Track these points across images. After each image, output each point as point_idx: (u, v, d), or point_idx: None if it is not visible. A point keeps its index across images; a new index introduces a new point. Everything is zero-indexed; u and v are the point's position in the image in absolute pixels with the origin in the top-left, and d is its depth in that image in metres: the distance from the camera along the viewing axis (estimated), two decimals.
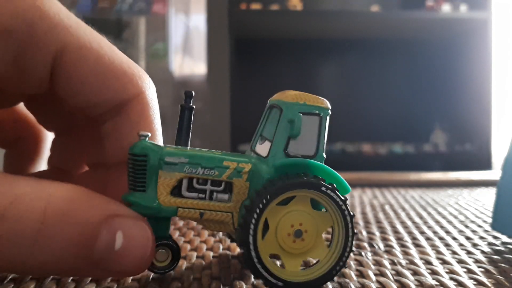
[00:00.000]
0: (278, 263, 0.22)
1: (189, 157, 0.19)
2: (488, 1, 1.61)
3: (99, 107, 0.20)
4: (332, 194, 0.19)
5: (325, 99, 0.20)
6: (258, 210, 0.18)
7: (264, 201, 0.18)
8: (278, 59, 1.85)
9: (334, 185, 0.19)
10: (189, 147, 0.20)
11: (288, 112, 0.20)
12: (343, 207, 0.19)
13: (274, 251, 0.19)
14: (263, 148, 0.20)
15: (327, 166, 0.20)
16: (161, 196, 0.19)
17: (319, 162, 0.20)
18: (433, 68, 1.87)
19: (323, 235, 0.20)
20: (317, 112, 0.20)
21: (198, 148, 0.20)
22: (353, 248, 0.20)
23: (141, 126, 0.20)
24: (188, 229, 0.30)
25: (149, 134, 0.19)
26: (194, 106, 0.20)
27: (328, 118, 0.20)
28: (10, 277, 0.21)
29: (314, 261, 0.21)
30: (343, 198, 0.19)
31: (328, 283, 0.20)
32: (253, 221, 0.18)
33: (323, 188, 0.19)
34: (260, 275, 0.19)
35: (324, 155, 0.20)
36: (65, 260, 0.15)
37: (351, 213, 0.20)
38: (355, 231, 0.20)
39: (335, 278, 0.21)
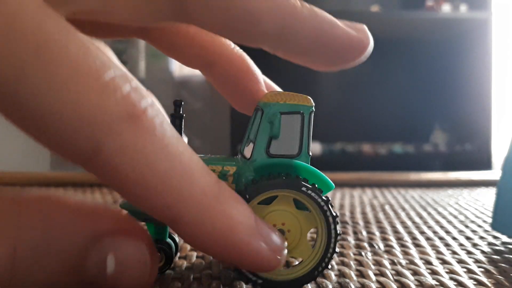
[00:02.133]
0: None
1: None
2: (488, 1, 1.61)
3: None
4: (312, 194, 0.19)
5: (308, 97, 0.20)
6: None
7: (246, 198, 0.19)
8: (278, 59, 1.84)
9: (315, 184, 0.19)
10: None
11: (268, 112, 0.20)
12: (325, 207, 0.19)
13: None
14: (248, 150, 0.20)
15: (310, 166, 0.20)
16: None
17: (301, 162, 0.20)
18: (433, 68, 1.87)
19: (309, 235, 0.20)
20: (298, 110, 0.20)
21: None
22: (337, 250, 0.20)
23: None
24: None
25: None
26: (184, 115, 0.21)
27: (311, 115, 0.20)
28: None
29: (298, 261, 0.21)
30: (324, 198, 0.19)
31: (329, 283, 0.20)
32: None
33: (303, 188, 0.19)
34: (240, 273, 0.19)
35: (310, 154, 0.20)
36: (62, 281, 0.14)
37: (334, 214, 0.19)
38: (338, 232, 0.20)
39: (336, 279, 0.21)
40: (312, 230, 0.20)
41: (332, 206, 0.20)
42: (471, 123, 1.69)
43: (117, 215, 0.15)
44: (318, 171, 0.20)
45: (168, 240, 0.21)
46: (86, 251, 0.14)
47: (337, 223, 0.20)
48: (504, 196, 0.27)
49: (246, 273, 0.19)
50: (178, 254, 0.25)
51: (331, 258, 0.20)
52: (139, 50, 1.66)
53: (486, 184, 0.51)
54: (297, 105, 0.20)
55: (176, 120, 0.21)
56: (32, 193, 0.14)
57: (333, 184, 0.21)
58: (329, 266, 0.20)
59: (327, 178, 0.20)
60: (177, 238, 0.23)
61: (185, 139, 0.22)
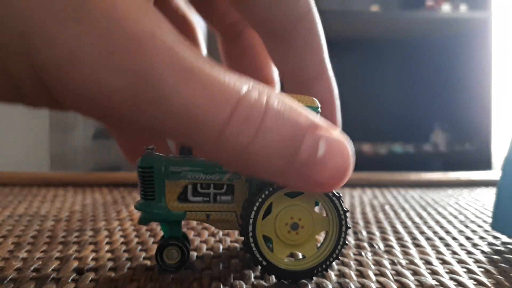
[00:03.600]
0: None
1: (191, 166, 0.21)
2: (488, 1, 1.61)
3: (275, 21, 0.21)
4: (335, 201, 0.20)
5: (313, 98, 0.21)
6: (267, 193, 0.20)
7: (272, 188, 0.20)
8: None
9: (339, 194, 0.20)
10: (192, 154, 0.22)
11: None
12: (342, 216, 0.20)
13: (269, 234, 0.20)
14: None
15: None
16: (169, 202, 0.21)
17: None
18: (433, 68, 1.87)
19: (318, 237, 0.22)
20: None
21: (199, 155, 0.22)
22: (339, 257, 0.21)
23: (310, 41, 0.22)
24: (188, 229, 0.30)
25: (154, 147, 0.21)
26: None
27: (318, 116, 0.21)
28: (10, 277, 0.21)
29: (301, 257, 0.22)
30: (345, 209, 0.20)
31: (329, 283, 0.21)
32: (260, 200, 0.20)
33: (329, 194, 0.20)
34: (249, 249, 0.20)
35: None
36: (275, 156, 0.16)
37: (348, 225, 0.21)
38: (347, 242, 0.21)
39: (336, 279, 0.21)
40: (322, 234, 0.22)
41: (347, 217, 0.21)
42: (471, 123, 1.70)
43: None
44: None
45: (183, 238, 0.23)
46: (303, 136, 0.16)
47: (347, 233, 0.21)
48: (504, 196, 0.27)
49: (255, 250, 0.20)
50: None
51: (331, 262, 0.20)
52: None
53: (486, 184, 0.51)
54: (307, 107, 0.20)
55: None
56: None
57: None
58: (327, 270, 0.21)
59: None
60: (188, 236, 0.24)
61: None
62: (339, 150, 0.17)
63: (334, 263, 0.23)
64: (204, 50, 0.26)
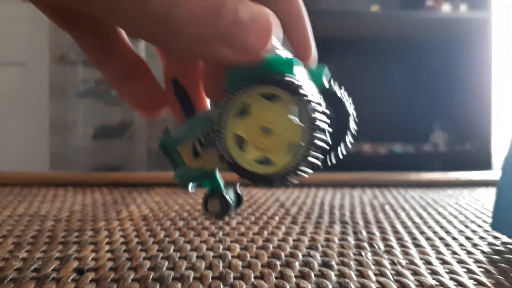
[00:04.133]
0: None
1: (187, 127, 0.22)
2: (488, 1, 1.61)
3: None
4: (311, 112, 0.19)
5: None
6: (241, 90, 0.19)
7: (245, 88, 0.19)
8: None
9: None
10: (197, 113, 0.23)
11: None
12: (312, 118, 0.19)
13: (241, 133, 0.19)
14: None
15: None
16: (189, 163, 0.23)
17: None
18: (433, 68, 1.87)
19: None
20: None
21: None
22: (306, 171, 0.19)
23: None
24: (188, 229, 0.30)
25: (169, 125, 0.23)
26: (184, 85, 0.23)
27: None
28: (10, 277, 0.21)
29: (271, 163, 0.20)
30: (311, 100, 0.19)
31: (329, 283, 0.20)
32: (233, 96, 0.19)
33: (297, 91, 0.19)
34: (218, 143, 0.19)
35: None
36: (199, 21, 0.16)
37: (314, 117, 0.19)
38: (318, 144, 0.19)
39: (336, 279, 0.21)
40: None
41: (316, 126, 0.19)
42: (471, 123, 1.70)
43: None
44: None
45: (225, 189, 0.24)
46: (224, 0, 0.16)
47: (318, 147, 0.19)
48: (504, 196, 0.27)
49: (222, 147, 0.19)
50: (241, 205, 0.26)
51: (294, 173, 0.19)
52: (139, 50, 1.66)
53: (486, 184, 0.51)
54: None
55: (178, 84, 0.23)
56: None
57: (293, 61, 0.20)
58: (288, 181, 0.19)
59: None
60: (239, 191, 0.25)
61: None
62: (258, 11, 0.17)
63: (333, 262, 0.23)
64: None
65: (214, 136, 0.20)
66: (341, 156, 0.23)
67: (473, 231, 0.30)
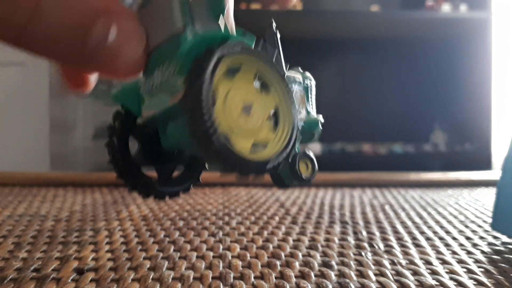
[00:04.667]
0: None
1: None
2: (488, 1, 1.61)
3: None
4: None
5: None
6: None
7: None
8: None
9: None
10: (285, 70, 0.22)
11: None
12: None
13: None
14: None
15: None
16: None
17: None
18: (433, 68, 1.87)
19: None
20: None
21: None
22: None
23: None
24: (188, 229, 0.30)
25: None
26: (277, 32, 0.21)
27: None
28: (10, 277, 0.21)
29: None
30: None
31: (329, 283, 0.20)
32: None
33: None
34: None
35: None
36: (61, 41, 0.15)
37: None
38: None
39: (336, 279, 0.21)
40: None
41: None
42: (471, 123, 1.69)
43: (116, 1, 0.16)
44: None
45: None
46: (94, 19, 0.15)
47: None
48: (504, 196, 0.27)
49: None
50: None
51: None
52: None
53: (486, 184, 0.51)
54: None
55: (273, 36, 0.21)
56: None
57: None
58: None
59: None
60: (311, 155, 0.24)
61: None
62: (131, 37, 0.16)
63: (333, 262, 0.23)
64: None
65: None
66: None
67: (473, 231, 0.30)
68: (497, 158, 1.60)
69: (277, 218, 0.34)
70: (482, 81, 1.62)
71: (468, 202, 0.41)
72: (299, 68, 0.24)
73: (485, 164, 1.58)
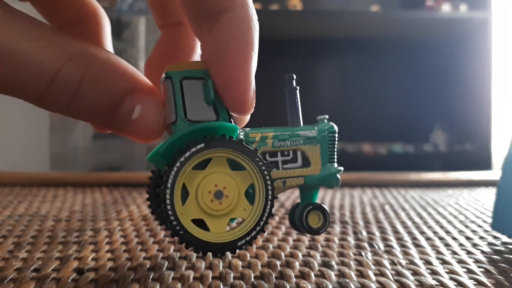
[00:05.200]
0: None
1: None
2: (488, 1, 1.61)
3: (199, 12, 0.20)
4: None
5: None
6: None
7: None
8: (278, 59, 1.85)
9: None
10: (301, 124, 0.23)
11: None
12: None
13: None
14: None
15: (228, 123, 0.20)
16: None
17: (221, 122, 0.20)
18: (433, 68, 1.87)
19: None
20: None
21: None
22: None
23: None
24: None
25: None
26: (298, 87, 0.23)
27: (163, 78, 0.20)
28: (10, 277, 0.21)
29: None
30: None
31: (329, 283, 0.20)
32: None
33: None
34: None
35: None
36: (95, 114, 0.19)
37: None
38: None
39: (336, 279, 0.21)
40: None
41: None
42: (471, 123, 1.69)
43: (140, 76, 0.20)
44: (235, 125, 0.20)
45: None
46: (122, 99, 0.19)
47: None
48: (504, 196, 0.27)
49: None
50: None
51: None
52: (139, 50, 1.66)
53: (486, 184, 0.51)
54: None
55: (292, 93, 0.23)
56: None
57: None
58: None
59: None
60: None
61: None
62: (152, 113, 0.19)
63: (333, 262, 0.23)
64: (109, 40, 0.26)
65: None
66: None
67: (473, 231, 0.30)
68: (497, 158, 1.60)
69: (277, 218, 0.34)
70: (482, 81, 1.62)
71: (468, 202, 0.41)
72: (325, 117, 0.24)
73: (485, 164, 1.58)
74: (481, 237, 0.29)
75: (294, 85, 0.23)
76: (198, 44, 0.24)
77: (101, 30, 0.25)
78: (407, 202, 0.41)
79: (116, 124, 0.19)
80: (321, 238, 0.28)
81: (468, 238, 0.29)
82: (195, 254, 0.25)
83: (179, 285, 0.20)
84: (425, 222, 0.33)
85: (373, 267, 0.23)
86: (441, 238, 0.28)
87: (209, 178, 0.20)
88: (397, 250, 0.26)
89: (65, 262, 0.23)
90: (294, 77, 0.23)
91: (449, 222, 0.33)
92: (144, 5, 1.56)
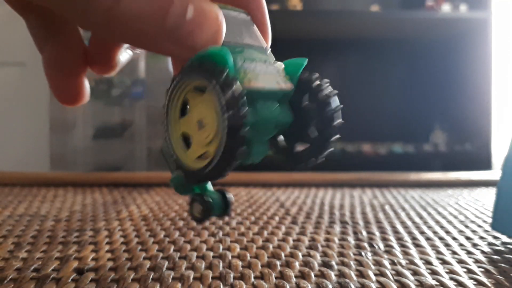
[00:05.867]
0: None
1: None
2: (488, 1, 1.61)
3: None
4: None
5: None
6: (172, 86, 0.19)
7: (181, 83, 0.19)
8: (278, 59, 1.85)
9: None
10: None
11: None
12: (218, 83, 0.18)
13: (189, 131, 0.19)
14: None
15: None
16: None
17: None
18: (433, 68, 1.87)
19: None
20: None
21: None
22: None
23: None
24: (188, 229, 0.30)
25: None
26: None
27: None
28: (10, 277, 0.21)
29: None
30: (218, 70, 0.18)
31: (329, 283, 0.20)
32: (169, 93, 0.19)
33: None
34: (167, 144, 0.19)
35: None
36: (143, 19, 0.16)
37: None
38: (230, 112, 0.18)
39: (336, 279, 0.21)
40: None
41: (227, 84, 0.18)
42: (471, 123, 1.69)
43: None
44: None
45: (210, 194, 0.22)
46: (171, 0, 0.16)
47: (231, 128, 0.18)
48: (504, 196, 0.27)
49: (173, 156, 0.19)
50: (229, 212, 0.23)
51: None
52: (139, 50, 1.66)
53: (486, 184, 0.51)
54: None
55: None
56: None
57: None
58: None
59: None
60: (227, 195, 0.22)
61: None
62: (208, 13, 0.17)
63: (333, 262, 0.23)
64: None
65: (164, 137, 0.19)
66: (326, 151, 0.21)
67: (473, 231, 0.30)
68: (497, 158, 1.60)
69: (277, 218, 0.34)
70: (482, 81, 1.62)
71: (468, 202, 0.41)
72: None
73: (485, 164, 1.58)
74: (481, 237, 0.29)
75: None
76: None
77: None
78: (407, 202, 0.41)
79: (168, 31, 0.16)
80: (321, 238, 0.28)
81: (468, 238, 0.29)
82: (195, 254, 0.25)
83: (179, 285, 0.20)
84: (425, 222, 0.33)
85: (373, 267, 0.23)
86: (441, 238, 0.28)
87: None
88: (397, 250, 0.26)
89: (65, 262, 0.23)
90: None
91: (449, 222, 0.33)
92: None
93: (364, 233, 0.30)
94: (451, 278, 0.21)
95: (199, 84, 0.18)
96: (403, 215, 0.35)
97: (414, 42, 1.87)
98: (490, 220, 0.31)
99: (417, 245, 0.27)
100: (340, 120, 0.21)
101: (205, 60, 0.18)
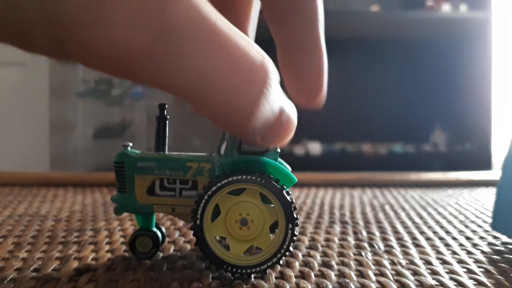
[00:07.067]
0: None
1: (157, 161, 0.23)
2: (488, 1, 1.61)
3: None
4: (275, 188, 0.21)
5: None
6: (206, 197, 0.21)
7: (213, 189, 0.21)
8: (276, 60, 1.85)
9: (278, 180, 0.21)
10: (166, 152, 0.23)
11: None
12: (281, 197, 0.21)
13: (222, 234, 0.21)
14: (223, 148, 0.22)
15: (275, 162, 0.21)
16: (138, 195, 0.23)
17: (268, 158, 0.21)
18: (433, 68, 1.87)
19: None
20: None
21: (168, 152, 0.23)
22: (295, 237, 0.21)
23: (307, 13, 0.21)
24: (188, 229, 0.30)
25: (131, 144, 0.23)
26: (168, 117, 0.23)
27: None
28: (10, 277, 0.21)
29: (258, 251, 0.22)
30: (279, 186, 0.21)
31: (329, 283, 0.20)
32: (201, 205, 0.21)
33: (266, 183, 0.21)
34: (204, 251, 0.21)
35: (278, 150, 0.22)
36: (238, 113, 0.16)
37: (291, 203, 0.21)
38: (296, 222, 0.21)
39: (336, 279, 0.21)
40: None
41: (292, 201, 0.21)
42: (471, 123, 1.69)
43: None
44: (283, 167, 0.22)
45: (155, 229, 0.24)
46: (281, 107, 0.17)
47: (295, 225, 0.21)
48: (504, 196, 0.27)
49: (220, 257, 0.21)
50: (166, 241, 0.26)
51: (286, 249, 0.21)
52: None
53: (486, 184, 0.51)
54: None
55: (160, 122, 0.23)
56: None
57: (296, 179, 0.22)
58: (287, 254, 0.21)
59: (291, 173, 0.22)
60: (163, 229, 0.25)
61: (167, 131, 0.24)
62: (293, 124, 0.18)
63: (333, 262, 0.23)
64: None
65: (199, 243, 0.21)
66: None
67: (473, 231, 0.30)
68: (497, 158, 1.60)
69: None
70: (482, 81, 1.62)
71: (468, 202, 0.41)
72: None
73: (485, 164, 1.58)
74: (481, 237, 0.29)
75: (165, 115, 0.23)
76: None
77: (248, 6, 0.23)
78: (407, 202, 0.41)
79: (258, 125, 0.16)
80: (321, 238, 0.28)
81: (468, 238, 0.29)
82: (195, 254, 0.25)
83: (180, 285, 0.20)
84: (425, 222, 0.33)
85: (373, 267, 0.23)
86: (441, 238, 0.28)
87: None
88: (397, 250, 0.26)
89: (65, 262, 0.23)
90: (166, 106, 0.23)
91: (449, 222, 0.33)
92: None
93: (364, 233, 0.30)
94: (451, 278, 0.21)
95: (238, 187, 0.21)
96: (403, 215, 0.35)
97: (414, 42, 1.87)
98: (490, 220, 0.31)
99: (417, 245, 0.27)
100: None
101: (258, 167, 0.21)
